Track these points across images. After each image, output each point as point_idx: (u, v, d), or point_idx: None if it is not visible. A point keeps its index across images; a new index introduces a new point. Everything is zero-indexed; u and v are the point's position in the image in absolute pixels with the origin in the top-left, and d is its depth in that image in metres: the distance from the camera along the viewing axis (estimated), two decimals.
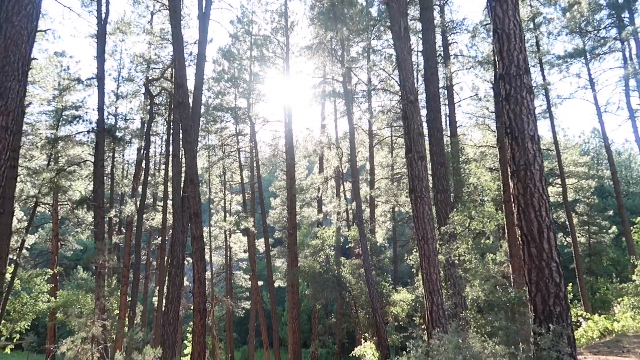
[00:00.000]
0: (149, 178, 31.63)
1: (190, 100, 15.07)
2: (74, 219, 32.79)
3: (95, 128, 16.40)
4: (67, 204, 24.63)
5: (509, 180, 6.56)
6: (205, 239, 40.18)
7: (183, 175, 15.42)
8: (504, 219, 15.05)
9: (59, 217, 36.65)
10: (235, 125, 34.56)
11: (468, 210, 13.51)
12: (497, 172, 19.34)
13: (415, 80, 10.34)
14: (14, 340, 33.74)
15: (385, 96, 25.79)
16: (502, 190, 15.21)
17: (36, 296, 35.50)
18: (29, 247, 36.99)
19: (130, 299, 21.32)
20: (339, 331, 26.83)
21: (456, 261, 11.40)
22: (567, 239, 31.75)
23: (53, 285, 35.13)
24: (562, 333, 5.83)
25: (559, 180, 33.69)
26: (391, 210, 36.16)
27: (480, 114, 30.85)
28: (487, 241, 14.00)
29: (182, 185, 15.15)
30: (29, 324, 34.80)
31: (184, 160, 15.52)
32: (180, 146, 14.38)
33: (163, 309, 14.90)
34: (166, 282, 14.37)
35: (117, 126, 31.50)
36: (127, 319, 25.69)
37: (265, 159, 39.13)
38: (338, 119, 35.84)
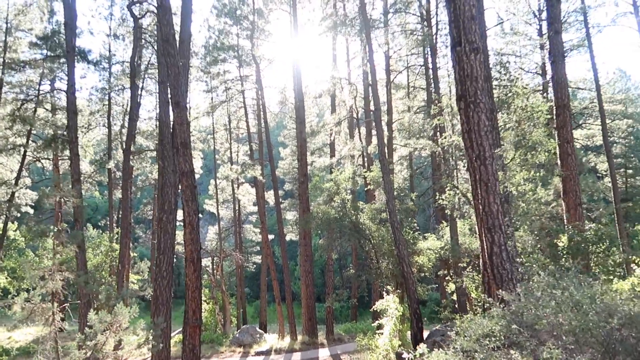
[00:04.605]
0: (138, 125, 29.32)
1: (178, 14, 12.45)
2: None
3: (64, 50, 13.85)
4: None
5: None
6: (211, 192, 38.41)
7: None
8: (557, 149, 12.54)
9: (61, 173, 34.87)
10: (239, 68, 31.68)
11: (516, 135, 11.00)
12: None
13: None
14: (22, 298, 32.75)
15: (405, 18, 22.61)
16: (555, 114, 12.60)
17: (41, 253, 34.38)
18: (33, 204, 35.48)
19: (119, 252, 19.27)
20: (355, 284, 24.93)
21: (513, 191, 8.99)
22: (600, 182, 29.17)
23: (58, 242, 33.73)
24: None
25: (590, 121, 30.79)
26: (409, 156, 33.69)
27: (505, 51, 27.63)
28: (538, 174, 11.54)
29: (171, 117, 12.75)
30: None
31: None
32: (166, 68, 11.85)
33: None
34: (156, 228, 12.24)
35: (110, 66, 29.04)
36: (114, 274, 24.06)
37: (272, 107, 36.54)
38: (350, 60, 32.86)
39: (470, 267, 17.82)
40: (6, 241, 36.04)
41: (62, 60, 15.60)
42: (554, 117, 12.83)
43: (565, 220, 12.17)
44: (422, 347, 5.78)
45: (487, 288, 6.89)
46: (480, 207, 6.97)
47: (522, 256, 8.73)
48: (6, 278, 35.06)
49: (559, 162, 12.59)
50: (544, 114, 12.23)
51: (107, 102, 30.51)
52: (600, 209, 15.90)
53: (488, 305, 4.93)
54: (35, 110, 24.98)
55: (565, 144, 12.47)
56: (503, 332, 3.89)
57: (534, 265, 8.06)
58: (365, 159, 27.70)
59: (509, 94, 12.17)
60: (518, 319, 3.92)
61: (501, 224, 6.80)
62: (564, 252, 8.37)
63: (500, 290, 5.28)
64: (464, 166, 20.74)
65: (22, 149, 24.53)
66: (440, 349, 4.74)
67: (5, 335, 30.79)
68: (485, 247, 6.88)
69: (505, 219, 9.16)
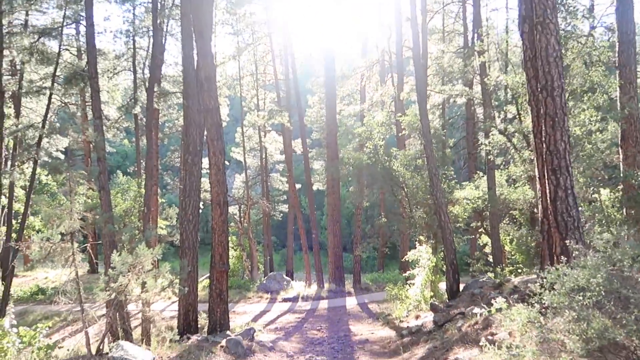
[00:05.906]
0: (164, 70, 28.57)
1: None
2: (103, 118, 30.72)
3: None
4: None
5: None
6: (238, 140, 37.95)
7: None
8: (617, 91, 11.27)
9: (88, 118, 34.84)
10: (266, 10, 30.30)
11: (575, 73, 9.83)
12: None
13: None
14: (40, 237, 33.66)
15: None
16: (618, 51, 11.25)
17: (71, 198, 34.81)
18: (64, 149, 35.81)
19: (144, 194, 18.90)
20: (386, 234, 24.40)
21: (577, 131, 7.99)
22: None
23: (89, 187, 34.18)
24: None
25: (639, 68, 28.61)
26: (442, 105, 32.25)
27: None
28: (598, 116, 10.42)
29: (194, 52, 11.95)
30: None
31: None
32: None
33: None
34: (182, 173, 11.75)
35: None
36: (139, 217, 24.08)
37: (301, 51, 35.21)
38: (382, 3, 31.10)
39: (507, 218, 16.97)
40: (39, 185, 36.72)
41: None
42: (616, 55, 11.49)
43: (622, 169, 11.11)
44: (499, 302, 5.12)
45: (546, 237, 6.12)
46: (544, 146, 6.08)
47: (581, 204, 7.89)
48: (40, 221, 35.97)
49: (618, 104, 11.36)
50: (606, 50, 10.94)
51: (131, 46, 29.85)
52: None
53: (576, 252, 4.15)
54: (59, 54, 24.59)
55: (627, 85, 11.17)
56: (604, 286, 3.15)
57: (596, 215, 7.21)
58: (397, 106, 26.53)
59: (568, 27, 10.89)
60: (603, 264, 3.15)
61: (568, 165, 5.92)
62: (629, 202, 7.47)
63: (571, 237, 4.47)
64: (498, 116, 19.50)
65: (47, 91, 24.31)
66: (521, 304, 4.05)
67: (42, 275, 31.94)
68: (548, 191, 6.03)
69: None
